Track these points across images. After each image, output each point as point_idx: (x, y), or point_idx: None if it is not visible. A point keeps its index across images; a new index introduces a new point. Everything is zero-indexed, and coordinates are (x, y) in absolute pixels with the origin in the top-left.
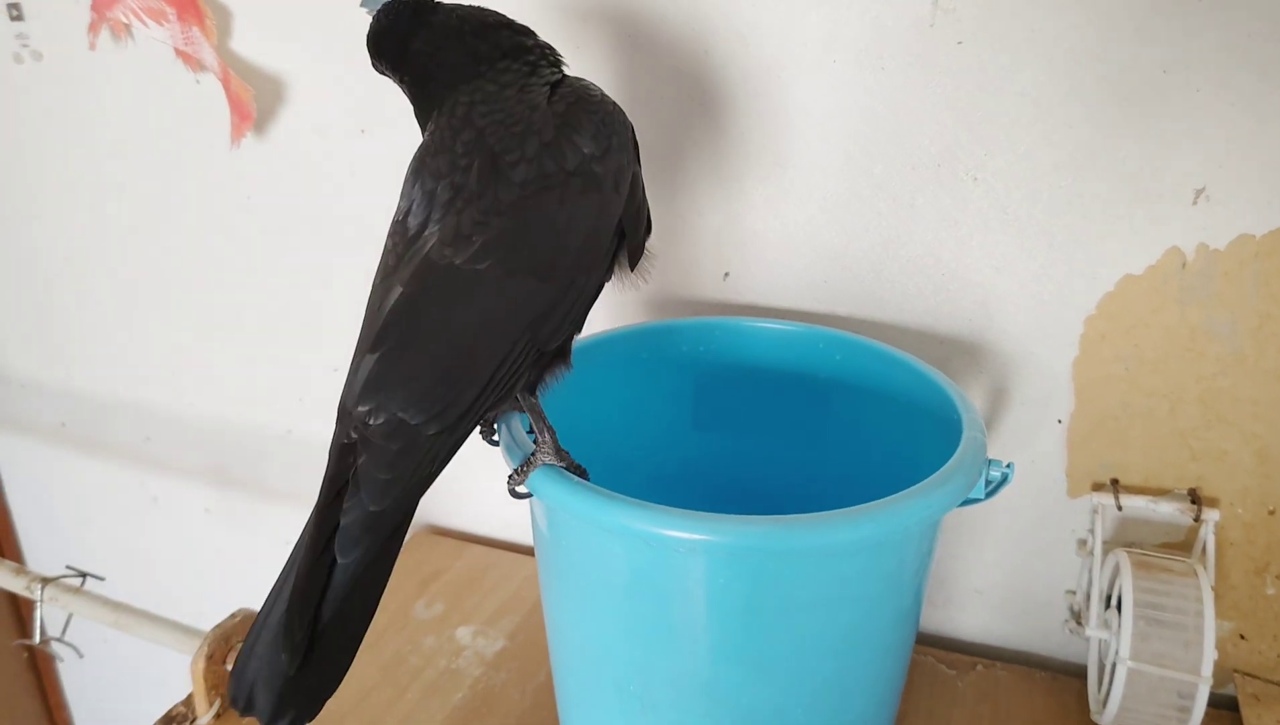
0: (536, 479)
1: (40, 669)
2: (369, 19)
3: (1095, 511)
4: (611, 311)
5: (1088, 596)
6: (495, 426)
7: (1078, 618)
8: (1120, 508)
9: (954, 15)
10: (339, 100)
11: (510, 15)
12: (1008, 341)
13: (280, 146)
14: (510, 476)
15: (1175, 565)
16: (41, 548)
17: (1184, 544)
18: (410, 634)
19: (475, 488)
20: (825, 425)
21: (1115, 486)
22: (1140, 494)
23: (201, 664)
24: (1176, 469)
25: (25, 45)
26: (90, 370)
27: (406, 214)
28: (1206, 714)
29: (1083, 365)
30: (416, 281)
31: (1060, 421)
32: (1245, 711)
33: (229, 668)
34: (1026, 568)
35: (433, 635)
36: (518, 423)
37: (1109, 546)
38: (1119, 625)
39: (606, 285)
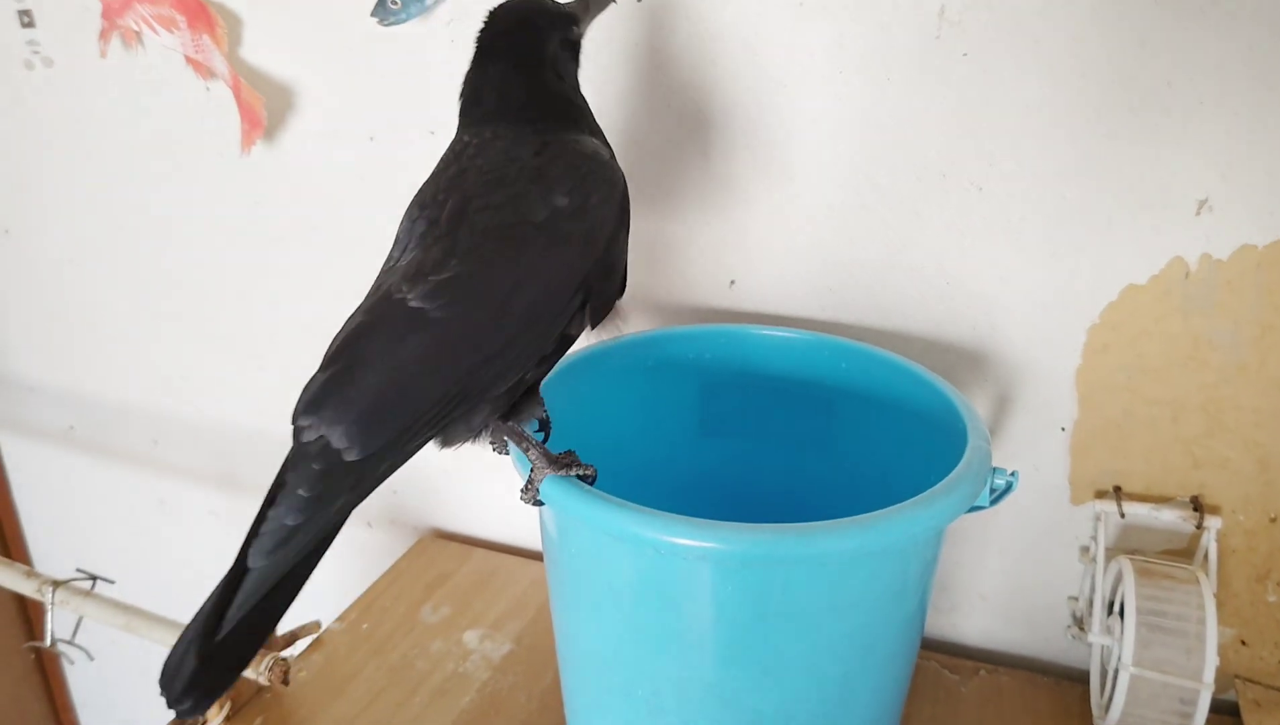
0: (547, 488)
1: (47, 670)
2: (380, 28)
3: (1098, 518)
4: (617, 324)
5: (1090, 603)
6: (532, 493)
7: (1080, 624)
8: (1123, 515)
9: (959, 27)
10: (347, 107)
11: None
12: (1011, 350)
13: (289, 153)
14: (521, 492)
15: (1177, 572)
16: (49, 550)
17: (1186, 551)
18: (417, 638)
19: (480, 492)
20: (830, 432)
21: (1118, 494)
22: (1143, 501)
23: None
24: (1179, 476)
25: (36, 52)
26: (98, 374)
27: (397, 237)
28: (1208, 720)
29: (1086, 374)
30: (371, 312)
31: (1064, 429)
32: (1247, 717)
33: None
34: (1030, 574)
35: (440, 639)
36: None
37: (1112, 553)
38: (1121, 631)
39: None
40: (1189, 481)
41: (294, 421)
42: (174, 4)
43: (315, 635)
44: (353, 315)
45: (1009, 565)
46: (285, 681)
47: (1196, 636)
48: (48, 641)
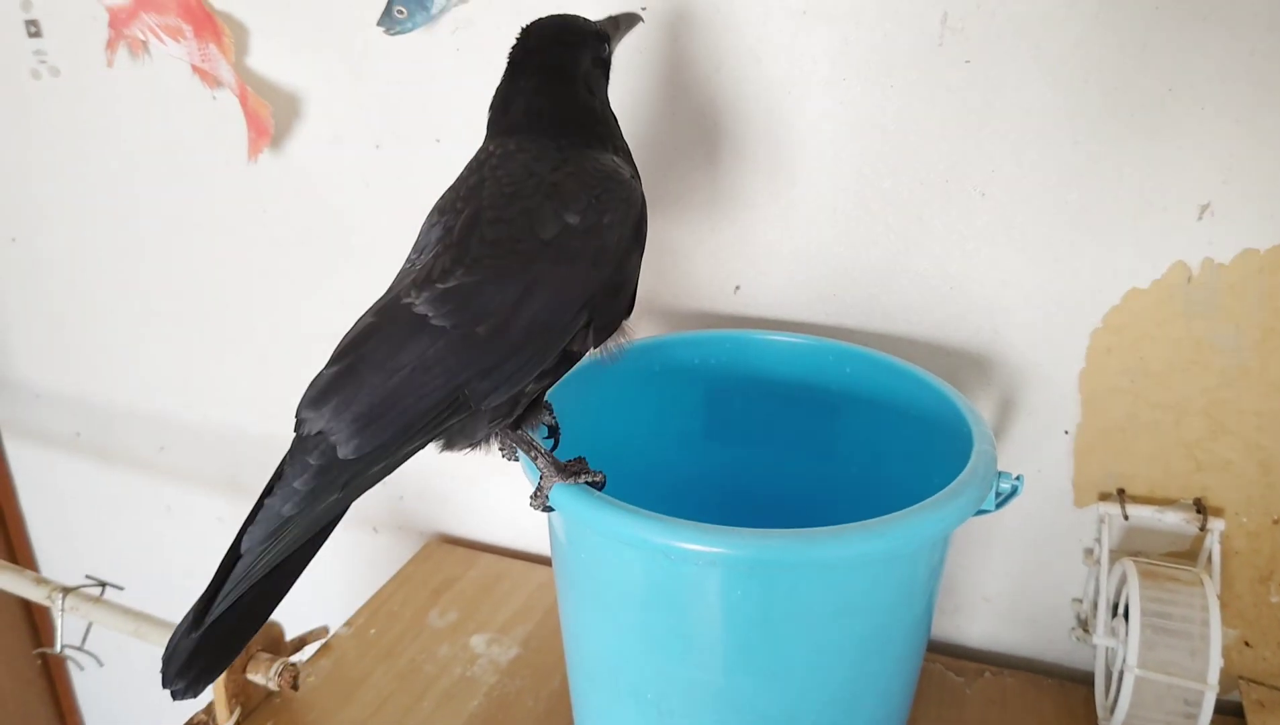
0: (557, 494)
1: (53, 676)
2: (386, 37)
3: (1102, 521)
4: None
5: (1095, 605)
6: (543, 500)
7: (1085, 626)
8: (1126, 517)
9: (962, 34)
10: (353, 116)
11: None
12: (1015, 354)
13: (295, 161)
14: (530, 499)
15: (1181, 574)
16: (56, 556)
17: (1189, 553)
18: (425, 642)
19: (486, 497)
20: (835, 436)
21: (1122, 496)
22: (1146, 504)
23: (223, 674)
24: (1182, 479)
25: (43, 61)
26: (105, 380)
27: (417, 240)
28: (1213, 721)
29: (1089, 377)
30: (379, 314)
31: (1067, 432)
32: (1250, 718)
33: (249, 676)
34: (1034, 576)
35: (447, 644)
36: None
37: (1115, 555)
38: (1126, 633)
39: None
40: (1192, 484)
41: (297, 414)
42: (181, 14)
43: (324, 640)
44: (364, 315)
45: (1013, 568)
46: (294, 686)
47: (1200, 638)
48: (57, 648)
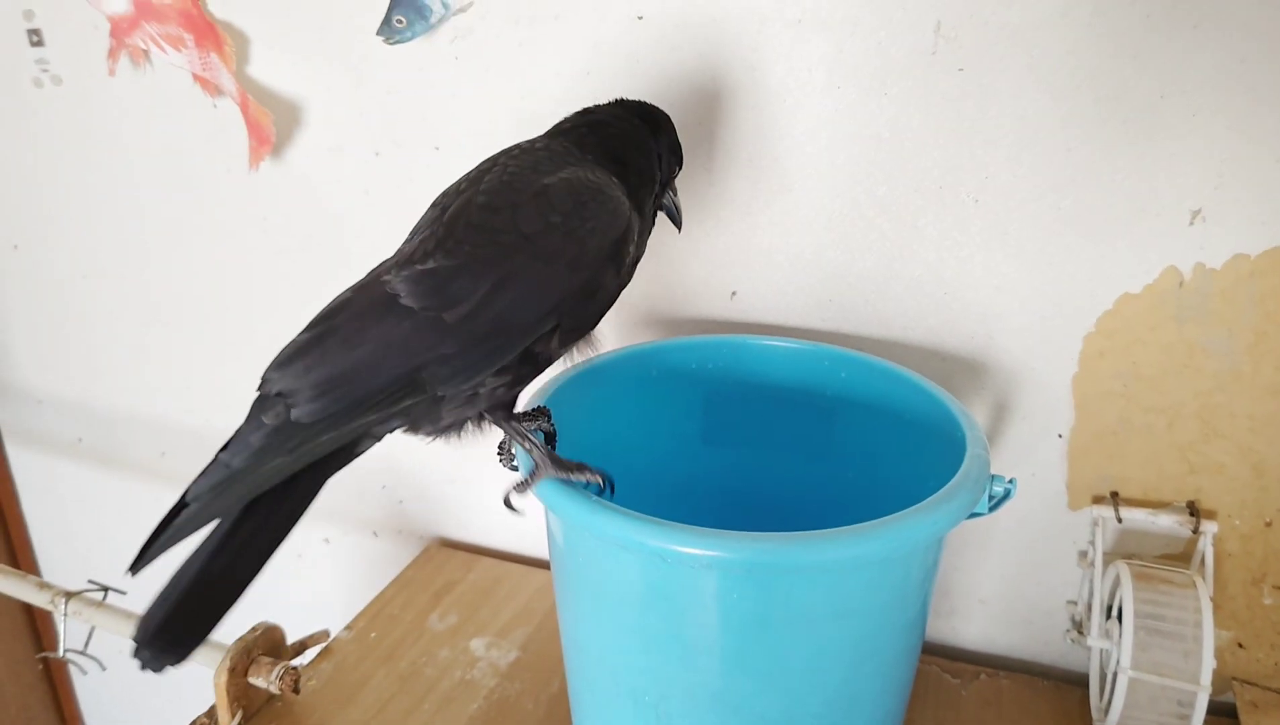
0: (555, 497)
1: (55, 680)
2: (385, 46)
3: (1095, 523)
4: (622, 331)
5: (1089, 607)
6: (514, 452)
7: (1079, 627)
8: (1120, 520)
9: (955, 42)
10: (353, 123)
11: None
12: (1009, 358)
13: (295, 168)
14: (515, 487)
15: (1174, 576)
16: (58, 561)
17: (1183, 555)
18: (425, 646)
19: (486, 501)
20: (831, 440)
21: (1115, 499)
22: (1139, 506)
23: (224, 677)
24: (1175, 482)
25: (45, 70)
26: (107, 386)
27: (419, 220)
28: (1206, 722)
29: (1082, 381)
30: (358, 289)
31: (1061, 436)
32: (1244, 718)
33: (250, 679)
34: (1029, 578)
35: (447, 647)
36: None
37: (1109, 558)
38: (1119, 635)
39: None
40: (1185, 487)
41: (264, 374)
42: (182, 23)
43: (324, 644)
44: (347, 289)
45: (1008, 570)
46: (296, 690)
47: (1194, 639)
48: (60, 652)
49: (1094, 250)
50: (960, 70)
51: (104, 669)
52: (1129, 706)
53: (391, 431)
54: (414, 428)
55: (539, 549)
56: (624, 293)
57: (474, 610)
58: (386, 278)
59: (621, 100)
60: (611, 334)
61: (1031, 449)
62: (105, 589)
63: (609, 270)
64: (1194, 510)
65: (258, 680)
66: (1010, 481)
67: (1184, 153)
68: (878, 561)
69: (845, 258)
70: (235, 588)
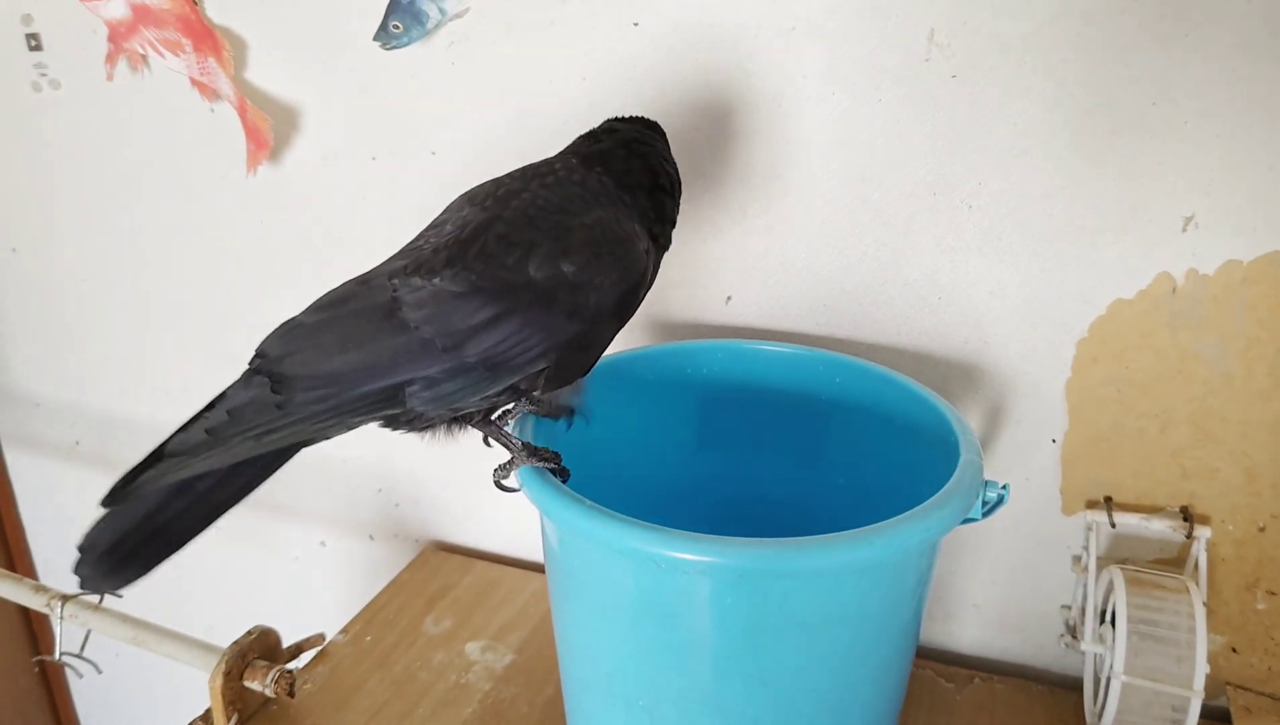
0: (549, 502)
1: (51, 683)
2: (382, 51)
3: (1089, 528)
4: (619, 336)
5: (1083, 611)
6: (508, 472)
7: (1073, 632)
8: (1114, 525)
9: (948, 50)
10: (350, 129)
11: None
12: (1002, 363)
13: (293, 173)
14: (496, 470)
15: (1168, 581)
16: (54, 564)
17: (1176, 560)
18: (420, 649)
19: (481, 504)
20: (825, 445)
21: (1108, 504)
22: (1133, 511)
23: (220, 681)
24: (1168, 487)
25: (44, 74)
26: (104, 390)
27: (440, 215)
28: None
29: (1075, 386)
30: (366, 284)
31: (1054, 441)
32: (1238, 723)
33: (245, 683)
34: (1023, 583)
35: (442, 651)
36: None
37: (1103, 563)
38: (1113, 640)
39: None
40: (1178, 492)
41: (259, 347)
42: (180, 28)
43: (319, 648)
44: (361, 275)
45: (1002, 574)
46: (291, 694)
47: (1187, 645)
48: (56, 655)
49: (1087, 256)
50: (953, 77)
51: (100, 672)
52: (1123, 711)
53: (367, 425)
54: (391, 425)
55: (535, 553)
56: None
57: (469, 614)
58: (394, 282)
59: (643, 119)
60: None
61: (1025, 454)
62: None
63: (610, 323)
64: (1187, 515)
65: (253, 684)
66: (1004, 487)
67: (1175, 160)
68: (871, 567)
69: (839, 263)
70: (187, 533)
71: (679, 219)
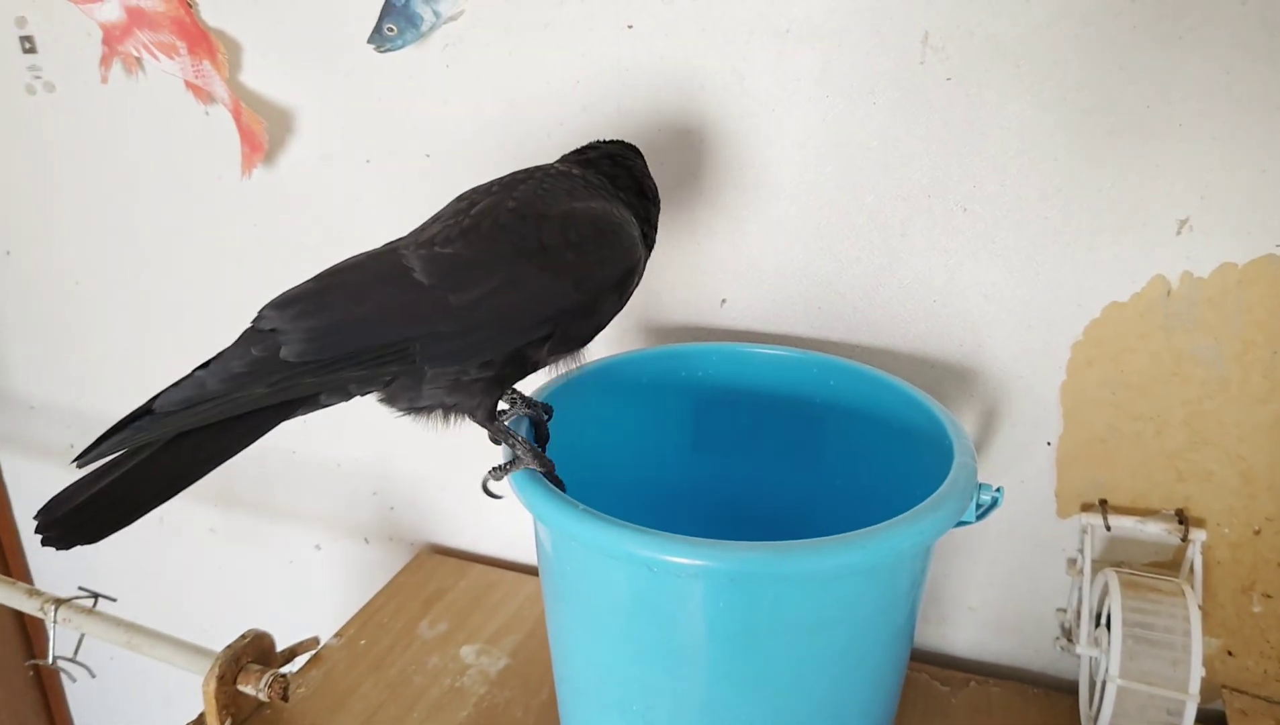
0: (543, 506)
1: (46, 687)
2: (377, 54)
3: (1084, 531)
4: (613, 338)
5: (1078, 615)
6: (503, 475)
7: (1069, 635)
8: (1109, 528)
9: (943, 53)
10: (345, 131)
11: None
12: (997, 366)
13: (287, 175)
14: (490, 471)
15: (1163, 584)
16: (49, 568)
17: (1172, 563)
18: (415, 653)
19: (477, 508)
20: (820, 447)
21: (1104, 507)
22: (1128, 514)
23: (213, 685)
24: (1164, 490)
25: (38, 77)
26: (99, 393)
27: (439, 211)
28: None
29: (1070, 389)
30: (372, 255)
31: (1049, 444)
32: None
33: (239, 687)
34: (1018, 586)
35: (437, 654)
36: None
37: (1098, 566)
38: (1108, 643)
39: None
40: (1174, 495)
41: (261, 310)
42: (175, 31)
43: (314, 651)
44: (368, 251)
45: (998, 577)
46: (285, 698)
47: (1182, 648)
48: (50, 659)
49: (1081, 259)
50: (948, 80)
51: (94, 676)
52: (1118, 715)
53: (366, 394)
54: (391, 399)
55: (530, 556)
56: None
57: (464, 617)
58: (404, 252)
59: (622, 141)
60: (602, 341)
61: (1020, 457)
62: (95, 596)
63: (611, 296)
64: (1183, 518)
65: (247, 688)
66: (998, 490)
67: (1170, 162)
68: (865, 571)
69: (834, 266)
70: (158, 497)
71: (673, 224)
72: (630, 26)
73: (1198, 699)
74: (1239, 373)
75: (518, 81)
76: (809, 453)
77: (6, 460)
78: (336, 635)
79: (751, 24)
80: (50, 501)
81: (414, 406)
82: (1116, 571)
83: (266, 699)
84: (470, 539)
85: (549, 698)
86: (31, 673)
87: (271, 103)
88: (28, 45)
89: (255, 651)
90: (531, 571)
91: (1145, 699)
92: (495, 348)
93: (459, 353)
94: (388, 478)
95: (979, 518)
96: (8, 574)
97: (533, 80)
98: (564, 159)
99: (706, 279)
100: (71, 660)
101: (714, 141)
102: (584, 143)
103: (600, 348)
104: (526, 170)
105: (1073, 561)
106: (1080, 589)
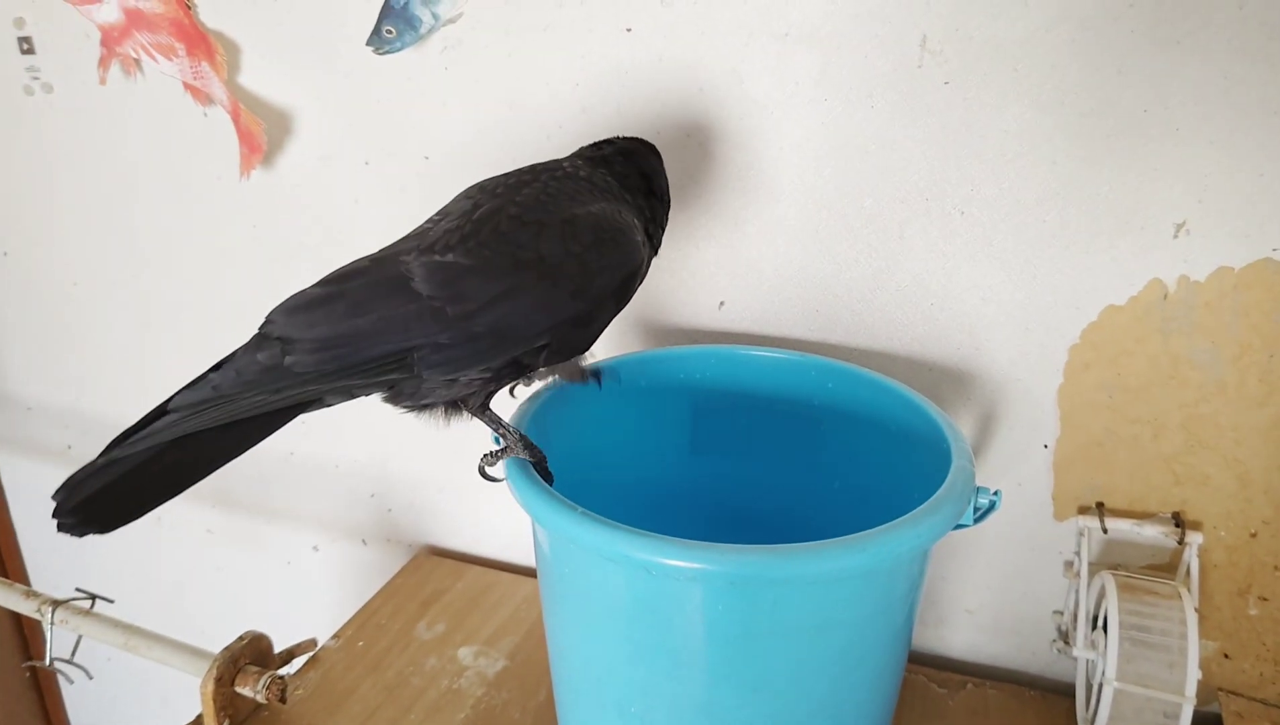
0: (541, 508)
1: (43, 689)
2: (375, 56)
3: (1081, 534)
4: (611, 340)
5: (1074, 617)
6: (495, 462)
7: (1065, 638)
8: (1105, 531)
9: (941, 56)
10: (343, 133)
11: None
12: (995, 369)
13: (286, 177)
14: (483, 457)
15: (1160, 587)
16: (47, 570)
17: (1168, 566)
18: (413, 655)
19: (475, 510)
20: (818, 450)
21: (1101, 510)
22: (1125, 517)
23: (211, 686)
24: (1160, 493)
25: (36, 78)
26: (97, 394)
27: (447, 206)
28: None
29: (1067, 392)
30: (377, 260)
31: (1046, 446)
32: None
33: (237, 689)
34: (1015, 588)
35: (435, 656)
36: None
37: (1095, 568)
38: (1105, 646)
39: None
40: (1170, 498)
41: (269, 315)
42: (173, 32)
43: (312, 653)
44: (371, 254)
45: (995, 580)
46: (282, 699)
47: (1179, 651)
48: (47, 661)
49: (1079, 262)
50: (946, 84)
51: (91, 678)
52: (1115, 717)
53: (369, 395)
54: (394, 398)
55: (527, 558)
56: None
57: (462, 619)
58: (405, 259)
59: (639, 138)
60: (601, 343)
61: (1017, 460)
62: (93, 597)
63: (610, 304)
64: (1179, 521)
65: (244, 689)
66: (995, 493)
67: (1167, 166)
68: (862, 574)
69: (832, 268)
70: (171, 489)
71: (672, 227)
72: (629, 29)
73: (1194, 701)
74: (1236, 376)
75: (516, 84)
76: (807, 455)
77: (4, 461)
78: (334, 637)
79: (750, 27)
80: (63, 487)
81: (415, 405)
82: (1113, 574)
83: (264, 700)
84: (468, 540)
85: (546, 699)
86: (28, 674)
87: (270, 104)
88: (26, 46)
89: (253, 653)
90: (529, 573)
91: (1142, 702)
92: (491, 357)
93: (456, 361)
94: (386, 479)
95: (976, 521)
96: (5, 575)
97: (532, 82)
98: (577, 154)
99: (704, 281)
100: (69, 662)
101: (712, 144)
102: (584, 144)
103: (599, 349)
104: (533, 169)
105: (1069, 564)
106: (1077, 591)
